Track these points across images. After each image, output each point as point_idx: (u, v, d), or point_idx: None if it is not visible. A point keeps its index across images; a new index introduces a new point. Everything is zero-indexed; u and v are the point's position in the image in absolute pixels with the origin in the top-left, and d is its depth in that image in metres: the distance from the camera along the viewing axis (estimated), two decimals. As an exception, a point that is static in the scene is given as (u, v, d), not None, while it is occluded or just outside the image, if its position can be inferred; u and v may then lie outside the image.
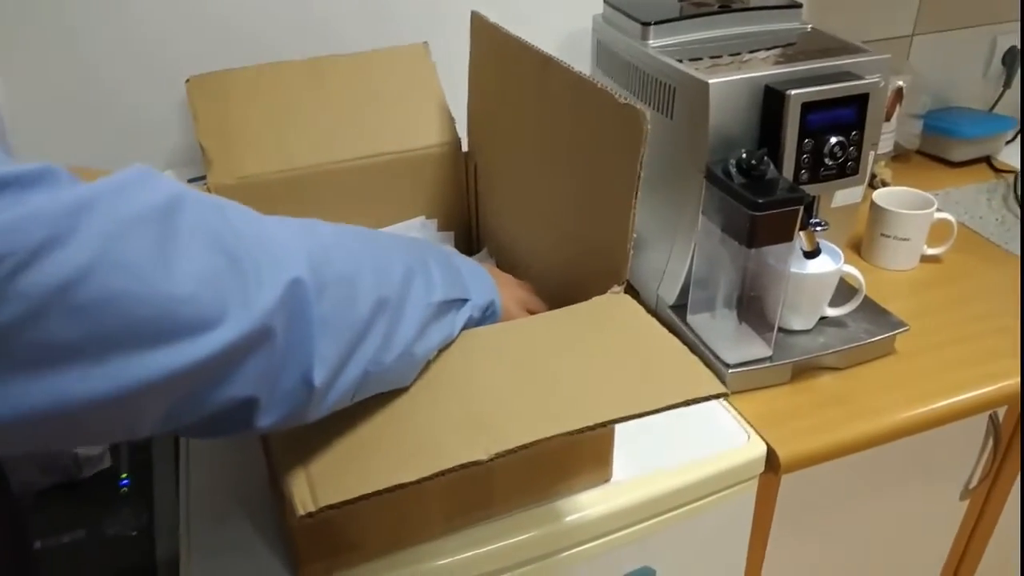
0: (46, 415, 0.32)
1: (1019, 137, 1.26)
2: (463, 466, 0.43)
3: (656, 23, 0.82)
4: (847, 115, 0.74)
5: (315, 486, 0.42)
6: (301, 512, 0.40)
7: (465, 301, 0.58)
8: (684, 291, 0.83)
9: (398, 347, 0.48)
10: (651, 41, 0.82)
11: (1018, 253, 0.99)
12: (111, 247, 0.32)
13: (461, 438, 0.45)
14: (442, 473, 0.43)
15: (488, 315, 0.61)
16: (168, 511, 0.71)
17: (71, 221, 0.31)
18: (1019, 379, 0.79)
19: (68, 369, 0.32)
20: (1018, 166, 1.21)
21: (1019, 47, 1.28)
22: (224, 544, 0.62)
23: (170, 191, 0.36)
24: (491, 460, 0.44)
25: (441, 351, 0.54)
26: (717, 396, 0.49)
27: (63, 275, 0.31)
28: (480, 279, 0.62)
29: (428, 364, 0.53)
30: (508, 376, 0.52)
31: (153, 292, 0.33)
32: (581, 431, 0.46)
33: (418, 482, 0.42)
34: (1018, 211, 1.09)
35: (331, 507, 0.40)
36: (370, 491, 0.41)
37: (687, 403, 0.49)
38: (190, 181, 0.86)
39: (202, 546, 0.62)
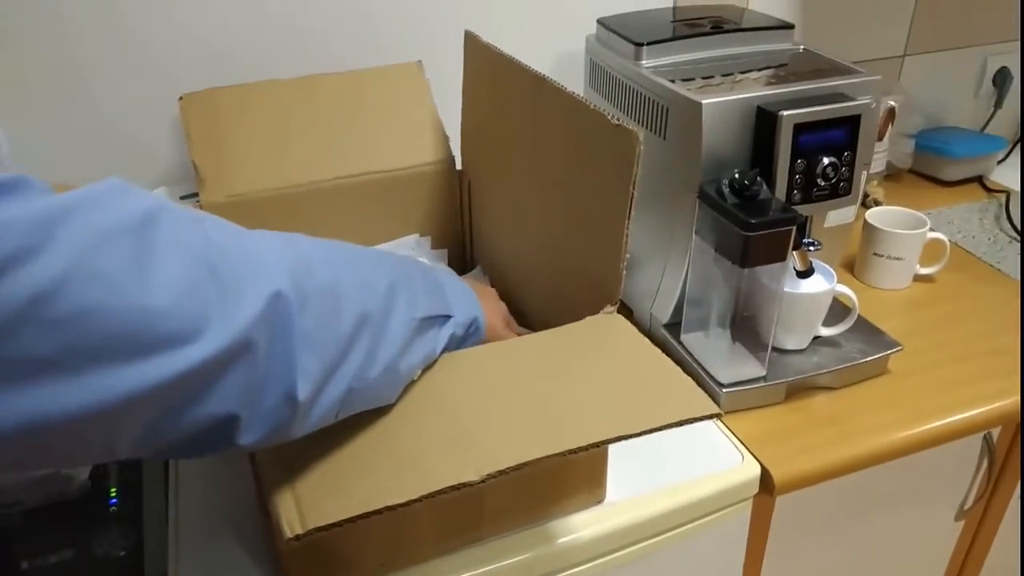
0: (20, 432, 0.31)
1: (1019, 154, 1.27)
2: (454, 487, 0.43)
3: (649, 43, 0.83)
4: (839, 136, 0.74)
5: (303, 507, 0.41)
6: (289, 535, 0.39)
7: (448, 318, 0.57)
8: (678, 310, 0.83)
9: (382, 363, 0.47)
10: (644, 61, 0.83)
11: (1011, 273, 1.00)
12: (86, 258, 0.32)
13: (452, 459, 0.45)
14: (432, 495, 0.42)
15: (471, 332, 0.61)
16: (157, 530, 0.70)
17: (45, 231, 0.31)
18: (1019, 398, 0.79)
19: (43, 384, 0.31)
20: (1011, 185, 1.22)
21: (1020, 66, 1.29)
22: (213, 563, 0.61)
23: (146, 203, 0.35)
24: (482, 481, 0.43)
25: (431, 370, 0.54)
26: (710, 416, 0.49)
27: (37, 286, 0.30)
28: (463, 295, 0.62)
29: (418, 383, 0.53)
30: (500, 396, 0.52)
31: (129, 305, 0.33)
32: (574, 452, 0.46)
33: (407, 504, 0.42)
34: (1011, 230, 1.09)
35: (319, 529, 0.40)
36: (358, 513, 0.40)
37: (680, 423, 0.48)
38: (183, 198, 0.86)
39: (191, 566, 0.61)
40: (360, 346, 0.45)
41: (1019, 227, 1.03)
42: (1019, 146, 1.33)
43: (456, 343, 0.59)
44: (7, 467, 0.34)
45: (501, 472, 0.44)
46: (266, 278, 0.39)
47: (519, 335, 0.68)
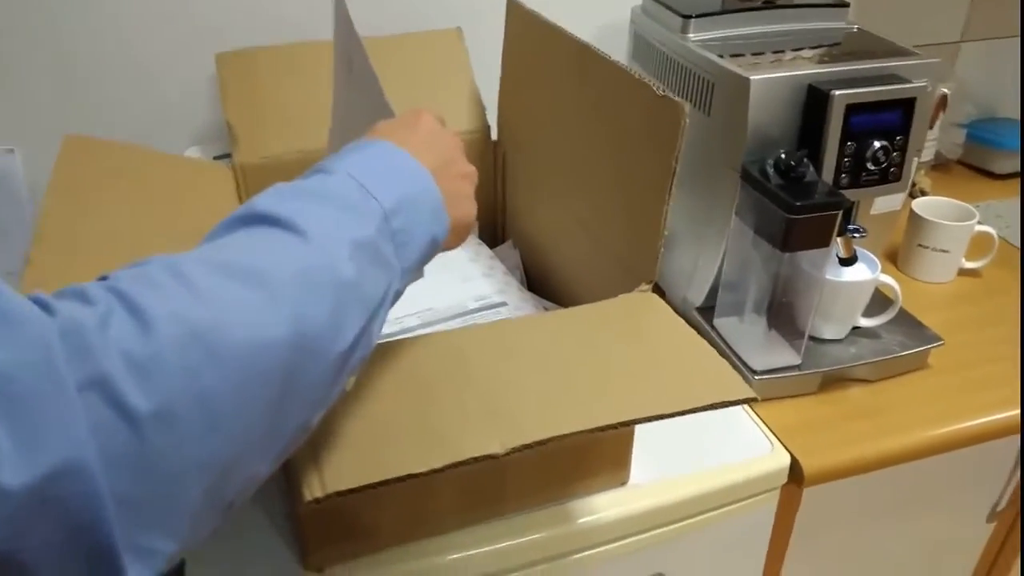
0: None
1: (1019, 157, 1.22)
2: (477, 459, 0.42)
3: (697, 16, 0.80)
4: (892, 119, 0.71)
5: (324, 472, 0.40)
6: (308, 498, 0.39)
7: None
8: (712, 293, 0.81)
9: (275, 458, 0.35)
10: (691, 35, 0.80)
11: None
12: None
13: (477, 431, 0.44)
14: (455, 465, 0.41)
15: (435, 241, 0.45)
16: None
17: None
18: (1019, 404, 0.76)
19: None
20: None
21: (1020, 65, 1.23)
22: (234, 528, 0.61)
23: None
24: (507, 454, 0.42)
25: (460, 344, 0.53)
26: (745, 401, 0.47)
27: None
28: (421, 219, 0.43)
29: (446, 356, 0.51)
30: (528, 371, 0.51)
31: None
32: (601, 429, 0.45)
33: (429, 473, 0.41)
34: (1062, 228, 1.05)
35: (339, 494, 0.39)
36: (379, 479, 0.40)
37: (714, 406, 0.47)
38: (215, 158, 0.86)
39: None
40: (220, 499, 0.32)
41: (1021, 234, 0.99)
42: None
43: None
44: None
45: (526, 446, 0.43)
46: (50, 442, 0.26)
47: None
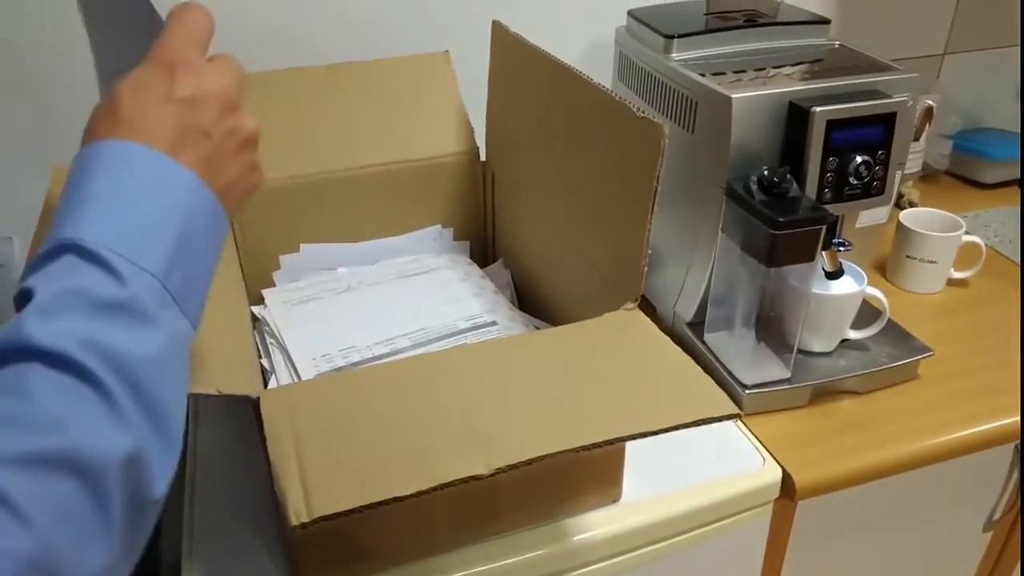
0: None
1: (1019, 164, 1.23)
2: (463, 480, 0.42)
3: (680, 36, 0.81)
4: (873, 134, 0.72)
5: (310, 496, 0.41)
6: (294, 522, 0.39)
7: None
8: (701, 308, 0.81)
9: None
10: (674, 54, 0.81)
11: (1049, 279, 0.97)
12: None
13: (463, 451, 0.44)
14: (441, 487, 0.42)
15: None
16: (173, 517, 0.71)
17: None
18: (1019, 415, 0.77)
19: None
20: (1051, 190, 1.18)
21: (1020, 67, 1.25)
22: (227, 552, 0.61)
23: None
24: (492, 475, 0.43)
25: (447, 363, 0.53)
26: (729, 417, 0.48)
27: None
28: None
29: (433, 376, 0.52)
30: (515, 390, 0.51)
31: None
32: (586, 448, 0.45)
33: (416, 495, 0.41)
34: (1050, 236, 1.06)
35: (325, 518, 0.39)
36: (365, 503, 0.40)
37: (698, 423, 0.47)
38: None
39: (205, 553, 0.62)
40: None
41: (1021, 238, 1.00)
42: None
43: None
44: None
45: (511, 466, 0.43)
46: None
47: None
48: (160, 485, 0.34)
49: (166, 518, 0.71)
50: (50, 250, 0.33)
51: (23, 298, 0.33)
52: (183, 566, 0.60)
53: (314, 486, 0.41)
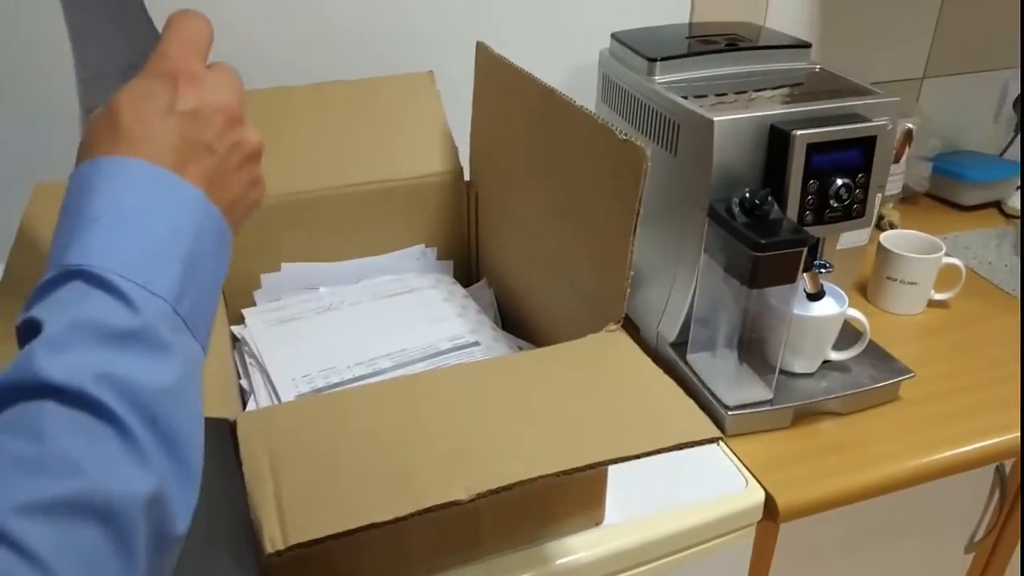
0: None
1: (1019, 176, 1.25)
2: (442, 506, 0.42)
3: (662, 59, 0.82)
4: (854, 157, 0.73)
5: (286, 523, 0.40)
6: (269, 550, 0.38)
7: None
8: (685, 329, 0.81)
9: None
10: (657, 77, 0.82)
11: (1028, 301, 0.98)
12: None
13: (442, 476, 0.44)
14: (420, 513, 0.41)
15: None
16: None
17: None
18: (1019, 431, 0.77)
19: None
20: (1028, 212, 1.20)
21: (1021, 78, 1.27)
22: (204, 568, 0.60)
23: None
24: (471, 500, 0.42)
25: (428, 385, 0.53)
26: (710, 441, 0.48)
27: None
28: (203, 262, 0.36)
29: (414, 398, 0.52)
30: (495, 413, 0.51)
31: None
32: (567, 472, 0.45)
33: (394, 521, 0.40)
34: (1028, 258, 1.07)
35: (300, 545, 0.39)
36: (342, 530, 0.39)
37: (679, 447, 0.47)
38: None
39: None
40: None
41: (1020, 249, 1.01)
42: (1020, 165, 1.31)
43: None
44: None
45: (492, 492, 0.43)
46: None
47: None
48: (182, 522, 0.32)
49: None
50: (55, 277, 0.32)
51: (29, 330, 0.31)
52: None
53: (290, 512, 0.41)
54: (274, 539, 0.39)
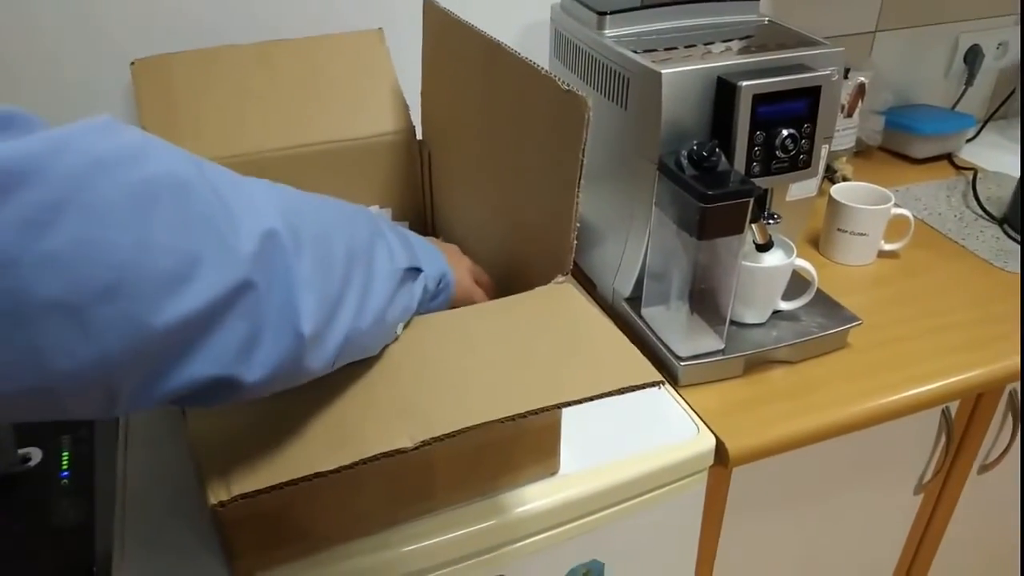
0: (20, 382, 0.31)
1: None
2: (386, 454, 0.42)
3: (612, 13, 0.82)
4: (799, 108, 0.73)
5: (231, 475, 0.40)
6: (213, 501, 0.39)
7: (419, 271, 0.57)
8: (639, 284, 0.82)
9: (372, 312, 0.47)
10: (607, 31, 0.82)
11: (976, 250, 1.00)
12: (82, 188, 0.31)
13: (386, 426, 0.44)
14: (364, 462, 0.42)
15: (442, 288, 0.61)
16: (109, 504, 0.69)
17: (37, 162, 0.30)
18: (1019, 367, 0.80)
19: (48, 331, 0.30)
20: (979, 163, 1.22)
21: (1021, 45, 1.28)
22: (160, 537, 0.61)
23: (140, 138, 0.35)
24: (416, 448, 0.43)
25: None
26: (651, 385, 0.48)
27: (28, 216, 0.29)
28: (430, 251, 0.62)
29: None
30: (441, 365, 0.51)
31: (128, 238, 0.32)
32: (512, 418, 0.45)
33: (338, 471, 0.41)
34: (977, 208, 1.10)
35: (244, 496, 0.39)
36: (286, 480, 0.40)
37: (622, 391, 0.48)
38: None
39: (137, 539, 0.61)
40: (353, 294, 0.45)
41: (1019, 228, 1.02)
42: (997, 128, 1.34)
43: (428, 298, 0.58)
44: (7, 419, 0.34)
45: (436, 439, 0.43)
46: (260, 217, 0.38)
47: (488, 286, 0.68)
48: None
49: (99, 512, 0.70)
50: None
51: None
52: (114, 552, 0.60)
53: (234, 465, 0.41)
54: (217, 491, 0.39)
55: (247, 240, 0.37)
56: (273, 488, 0.40)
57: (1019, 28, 1.29)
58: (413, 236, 0.62)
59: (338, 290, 0.43)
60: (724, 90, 0.72)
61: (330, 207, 0.49)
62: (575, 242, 0.58)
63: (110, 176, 0.32)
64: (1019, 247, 1.00)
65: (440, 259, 0.62)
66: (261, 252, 0.38)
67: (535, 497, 0.65)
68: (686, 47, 0.79)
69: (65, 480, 0.73)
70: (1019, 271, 0.95)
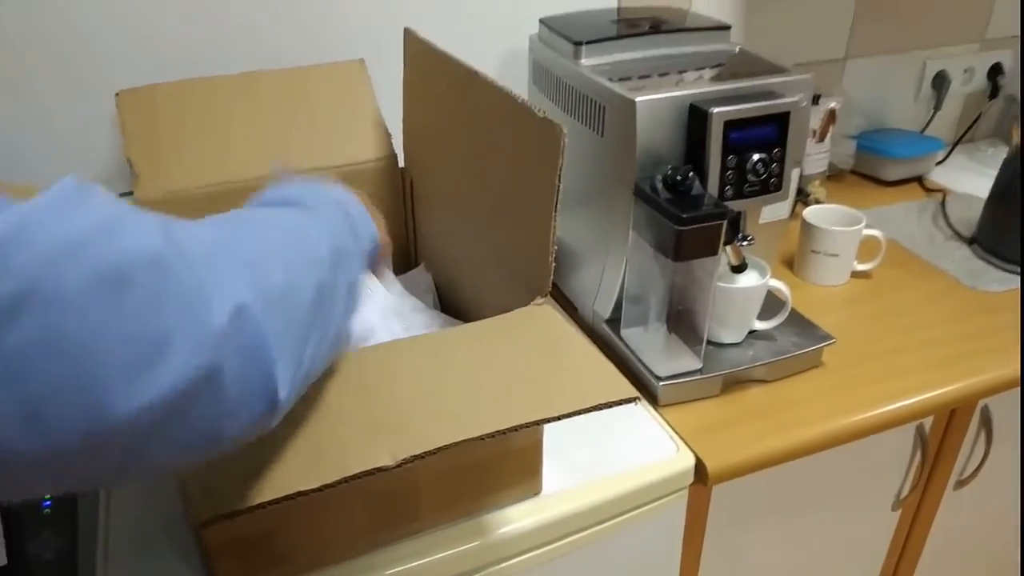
0: None
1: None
2: (368, 472, 0.43)
3: (588, 43, 0.84)
4: (769, 133, 0.76)
5: (213, 494, 0.41)
6: (194, 521, 0.39)
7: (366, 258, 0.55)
8: (618, 306, 0.84)
9: (334, 335, 0.46)
10: (583, 60, 0.84)
11: (947, 270, 1.02)
12: (44, 277, 0.29)
13: (368, 444, 0.45)
14: (346, 480, 0.42)
15: (373, 251, 0.57)
16: (92, 534, 0.69)
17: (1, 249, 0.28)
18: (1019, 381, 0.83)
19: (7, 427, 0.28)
20: (948, 185, 1.25)
21: (1021, 60, 1.32)
22: (143, 569, 0.61)
23: (110, 209, 0.32)
24: (398, 466, 0.44)
25: (360, 358, 0.54)
26: (628, 401, 0.50)
27: None
28: (364, 219, 0.57)
29: (346, 371, 0.53)
30: (422, 385, 0.52)
31: (92, 327, 0.30)
32: (492, 435, 0.46)
33: (321, 489, 0.42)
34: (947, 228, 1.12)
35: (225, 516, 0.40)
36: (268, 499, 0.41)
37: (598, 408, 0.49)
38: (120, 196, 0.85)
39: (120, 572, 0.61)
40: (317, 329, 0.43)
41: (992, 248, 1.05)
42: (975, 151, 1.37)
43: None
44: None
45: (417, 456, 0.44)
46: (231, 290, 0.35)
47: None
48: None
49: (81, 543, 0.70)
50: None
51: None
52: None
53: (217, 484, 0.42)
54: (199, 511, 0.40)
55: (219, 316, 0.34)
56: (256, 508, 0.40)
57: (1001, 51, 1.33)
58: (351, 206, 0.55)
59: (304, 335, 0.41)
60: (697, 117, 0.74)
61: (291, 241, 0.45)
62: (553, 264, 0.60)
63: (77, 261, 0.30)
64: (988, 266, 1.03)
65: (370, 222, 0.57)
66: (233, 329, 0.35)
67: (519, 517, 0.66)
68: (660, 75, 0.81)
69: (47, 510, 0.73)
70: (991, 289, 0.98)
